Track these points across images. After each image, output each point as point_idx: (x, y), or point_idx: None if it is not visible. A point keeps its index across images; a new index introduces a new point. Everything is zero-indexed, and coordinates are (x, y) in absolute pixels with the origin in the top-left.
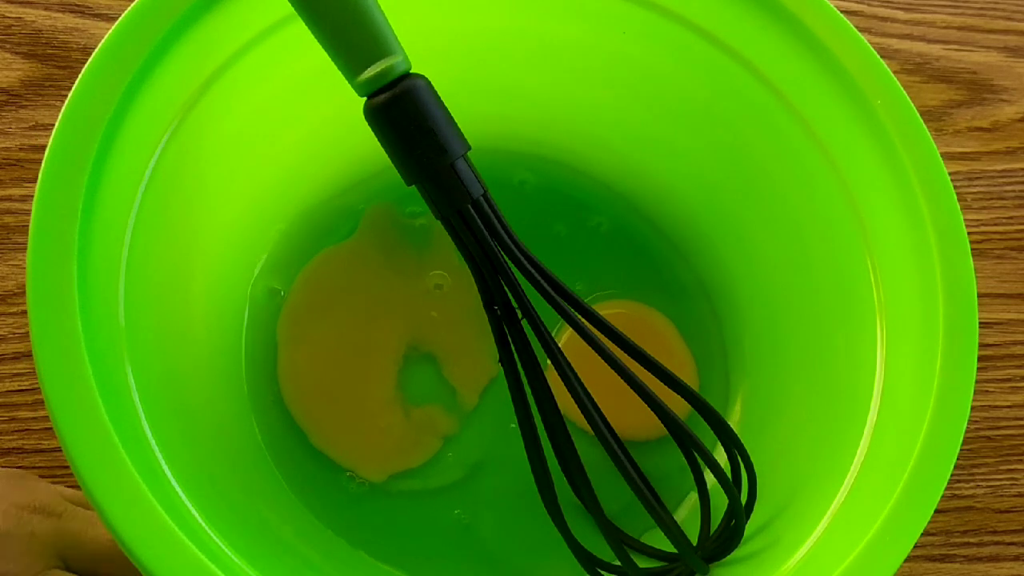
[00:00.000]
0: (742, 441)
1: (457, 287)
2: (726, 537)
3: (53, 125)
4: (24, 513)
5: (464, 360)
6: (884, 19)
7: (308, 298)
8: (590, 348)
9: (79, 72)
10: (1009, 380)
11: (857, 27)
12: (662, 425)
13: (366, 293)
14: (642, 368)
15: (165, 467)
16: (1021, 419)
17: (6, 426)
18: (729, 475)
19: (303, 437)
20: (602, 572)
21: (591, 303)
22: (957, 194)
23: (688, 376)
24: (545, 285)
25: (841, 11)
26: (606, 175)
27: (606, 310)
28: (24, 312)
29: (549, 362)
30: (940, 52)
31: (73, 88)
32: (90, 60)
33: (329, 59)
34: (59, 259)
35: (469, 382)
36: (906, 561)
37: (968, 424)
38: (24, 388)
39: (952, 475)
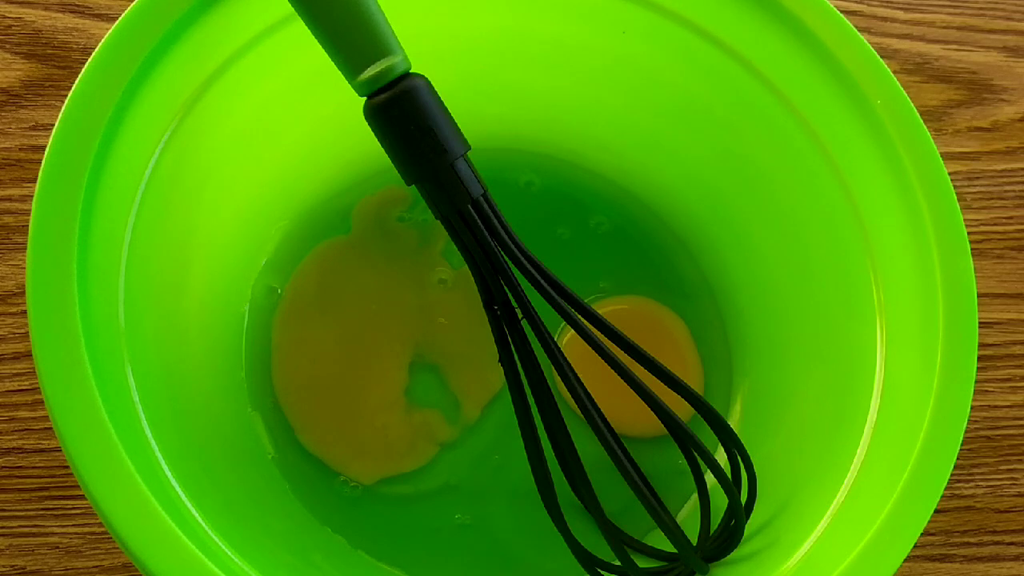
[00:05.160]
0: (742, 441)
1: (460, 284)
2: (726, 537)
3: (53, 125)
4: None
5: (469, 371)
6: (884, 19)
7: (306, 297)
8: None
9: (79, 72)
10: (1009, 380)
11: (857, 27)
12: None
13: (366, 291)
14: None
15: (165, 467)
16: (1021, 419)
17: (6, 426)
18: (729, 475)
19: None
20: (602, 572)
21: (607, 300)
22: (957, 194)
23: (694, 376)
24: (545, 285)
25: (841, 11)
26: (609, 174)
27: (618, 305)
28: (24, 312)
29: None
30: (940, 52)
31: (73, 88)
32: (90, 60)
33: (329, 59)
34: (59, 259)
35: (473, 394)
36: (906, 561)
37: (968, 424)
38: (24, 388)
39: (952, 475)
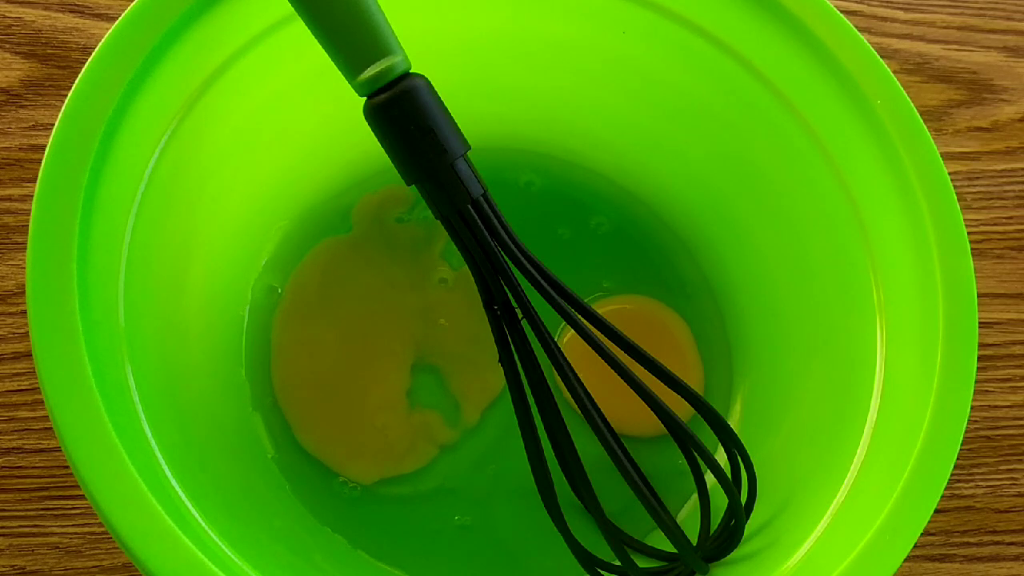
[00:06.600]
0: (742, 441)
1: (460, 284)
2: (726, 537)
3: (53, 125)
4: None
5: (470, 373)
6: (884, 19)
7: (306, 296)
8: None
9: (79, 72)
10: (1009, 380)
11: (857, 27)
12: None
13: (367, 291)
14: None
15: (165, 467)
16: (1021, 419)
17: (6, 426)
18: (729, 475)
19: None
20: (602, 572)
21: (608, 300)
22: (957, 194)
23: (694, 376)
24: (545, 285)
25: (841, 11)
26: (609, 174)
27: (619, 304)
28: (24, 312)
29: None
30: (940, 52)
31: (73, 88)
32: (90, 60)
33: (329, 59)
34: (59, 259)
35: (473, 397)
36: (906, 561)
37: (968, 424)
38: (24, 388)
39: (952, 475)
